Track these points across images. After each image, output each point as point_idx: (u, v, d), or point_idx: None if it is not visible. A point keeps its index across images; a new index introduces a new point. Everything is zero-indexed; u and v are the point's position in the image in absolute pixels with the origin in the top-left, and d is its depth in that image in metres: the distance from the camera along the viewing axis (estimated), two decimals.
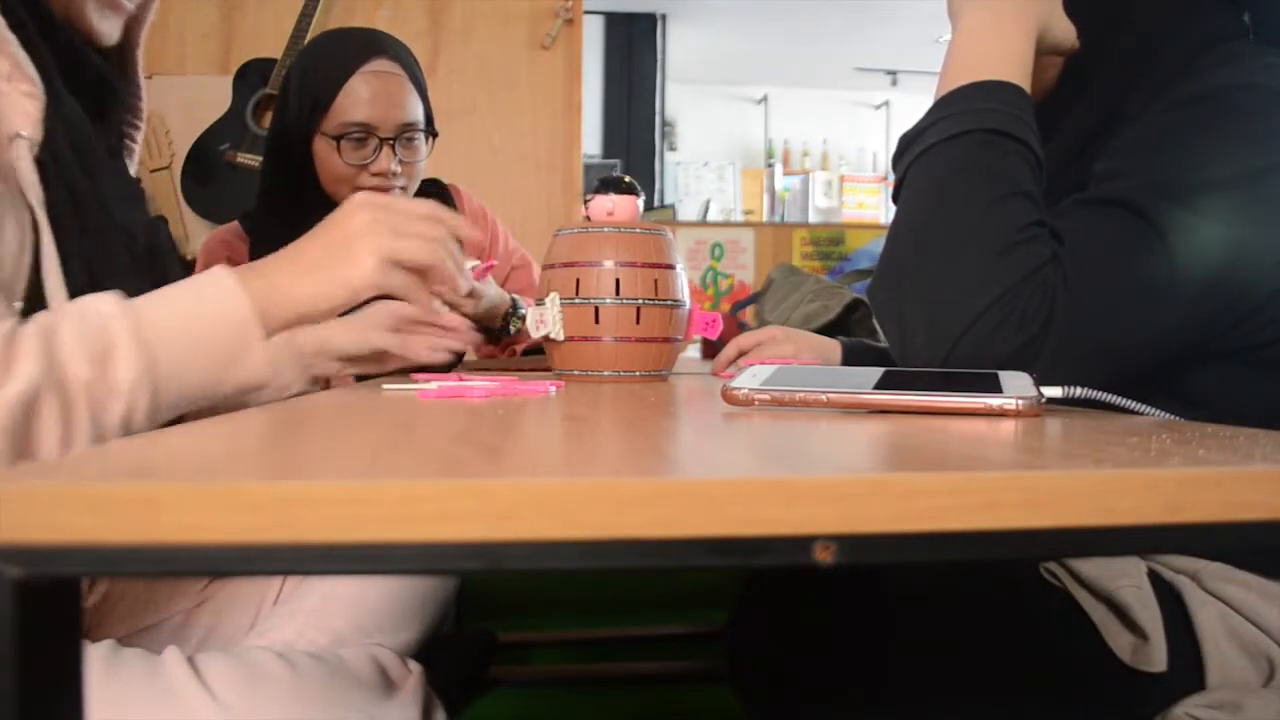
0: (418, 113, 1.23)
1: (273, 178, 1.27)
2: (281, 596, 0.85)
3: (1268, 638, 0.60)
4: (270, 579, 0.83)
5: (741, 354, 1.08)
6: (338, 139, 1.18)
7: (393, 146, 1.20)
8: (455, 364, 1.37)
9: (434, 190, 1.38)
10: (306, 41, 1.25)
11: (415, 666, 0.69)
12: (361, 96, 1.18)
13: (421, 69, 1.28)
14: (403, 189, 1.25)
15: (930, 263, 0.64)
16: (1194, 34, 0.72)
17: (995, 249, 0.61)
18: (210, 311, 0.58)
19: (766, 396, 0.54)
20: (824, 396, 0.52)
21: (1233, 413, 0.57)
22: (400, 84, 1.21)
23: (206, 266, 1.25)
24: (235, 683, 0.60)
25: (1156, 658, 0.61)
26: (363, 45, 1.21)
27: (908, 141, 0.71)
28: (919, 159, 0.68)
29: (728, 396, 0.55)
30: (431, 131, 1.27)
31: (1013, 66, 0.68)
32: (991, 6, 0.70)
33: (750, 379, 0.56)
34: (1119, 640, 0.63)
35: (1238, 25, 0.74)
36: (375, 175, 1.20)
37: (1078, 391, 0.54)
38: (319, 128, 1.20)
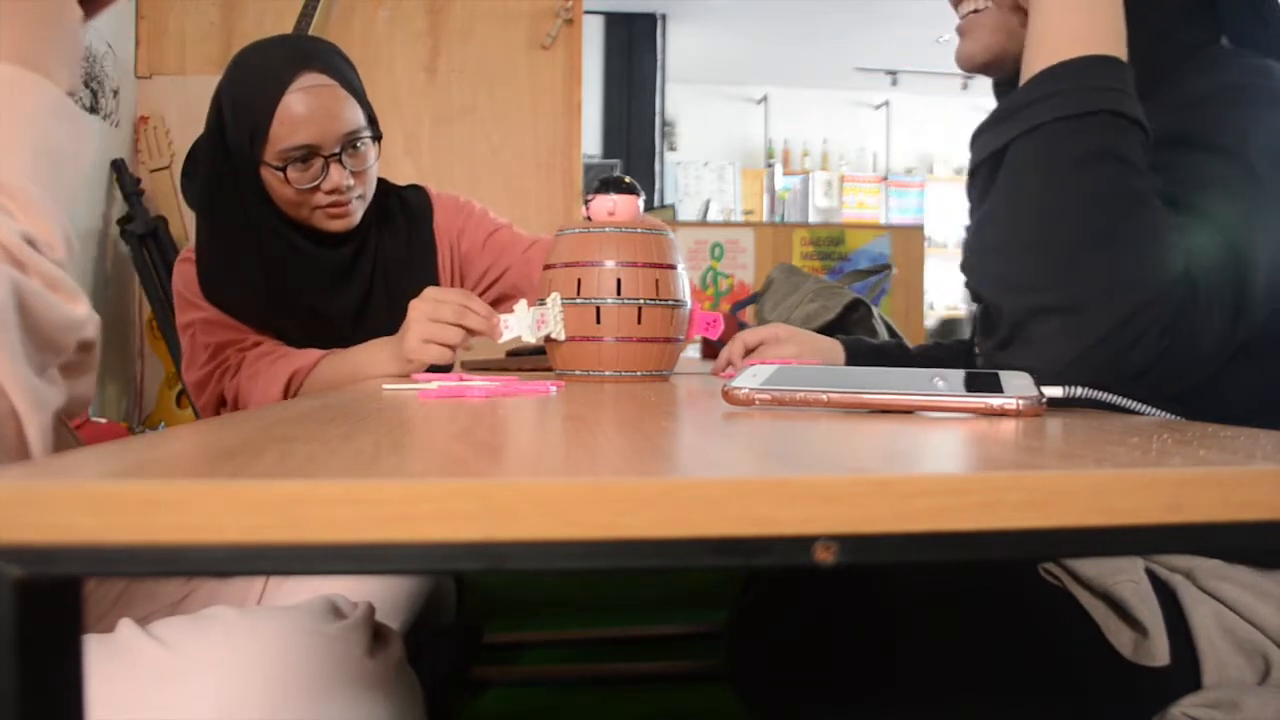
0: (359, 119, 1.17)
1: (217, 205, 1.20)
2: (265, 595, 0.85)
3: (1263, 635, 0.60)
4: (253, 577, 0.84)
5: (748, 352, 1.07)
6: (282, 167, 1.13)
7: (339, 160, 1.15)
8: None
9: (413, 195, 1.36)
10: (231, 61, 1.18)
11: (364, 601, 0.70)
12: (297, 118, 1.12)
13: (354, 68, 1.21)
14: (360, 198, 1.20)
15: (1071, 251, 0.60)
16: (1176, 41, 0.72)
17: (1147, 248, 0.58)
18: None
19: (767, 396, 0.54)
20: (824, 396, 0.52)
21: (1224, 402, 0.58)
22: (334, 95, 1.14)
23: (177, 293, 1.21)
24: (181, 628, 0.61)
25: (1158, 652, 0.61)
26: (288, 62, 1.13)
27: (1008, 113, 0.65)
28: (1029, 134, 0.63)
29: (728, 396, 0.55)
30: (376, 134, 1.21)
31: (1112, 35, 0.63)
32: None
33: (750, 379, 0.56)
34: (1120, 636, 0.63)
35: (1216, 31, 0.74)
36: (329, 194, 1.16)
37: (1078, 391, 0.54)
38: (262, 158, 1.14)
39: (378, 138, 1.22)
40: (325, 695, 0.61)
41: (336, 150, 1.15)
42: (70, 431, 0.70)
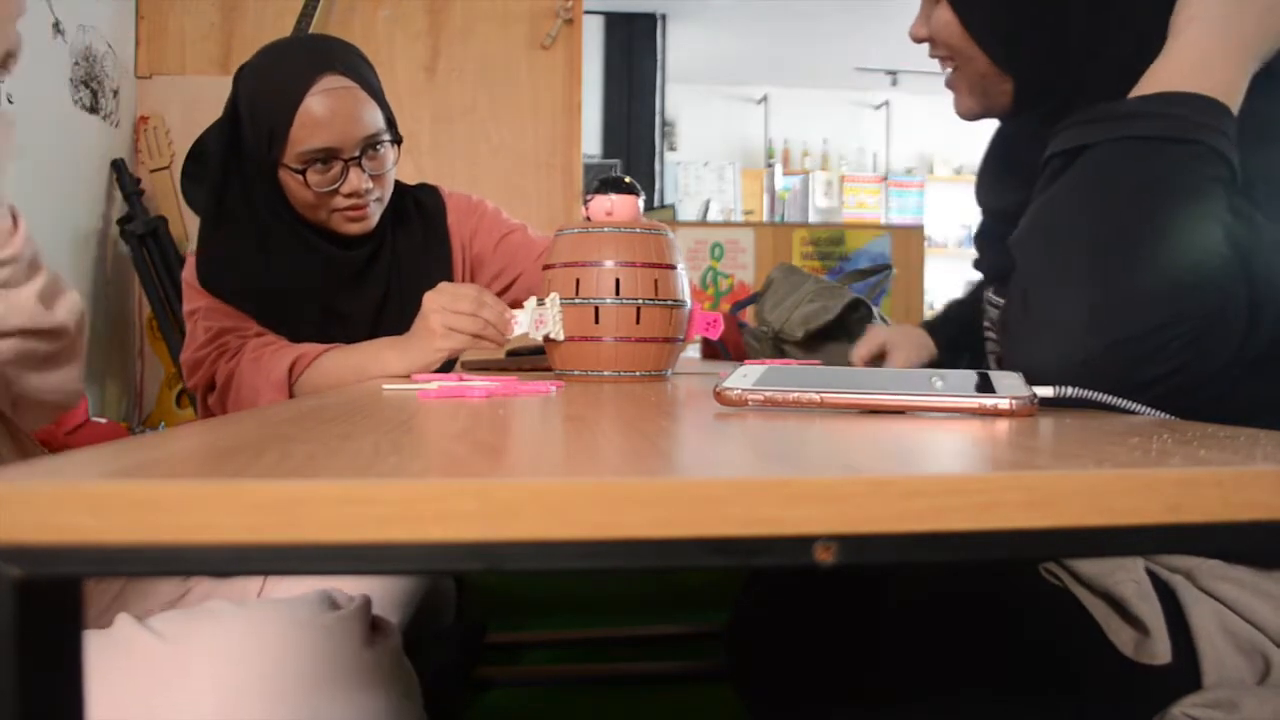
0: (378, 122, 1.16)
1: (223, 201, 1.20)
2: (263, 595, 0.85)
3: (1262, 635, 0.60)
4: (250, 576, 0.84)
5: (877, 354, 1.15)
6: (301, 170, 1.13)
7: (359, 163, 1.15)
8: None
9: (427, 195, 1.36)
10: (250, 60, 1.18)
11: (360, 595, 0.70)
12: (317, 121, 1.11)
13: (374, 69, 1.21)
14: (378, 200, 1.20)
15: (1129, 252, 0.61)
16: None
17: (1199, 270, 0.60)
18: None
19: (760, 397, 0.53)
20: (818, 397, 0.52)
21: (1224, 403, 0.58)
22: (354, 97, 1.13)
23: (186, 282, 1.21)
24: (178, 621, 0.62)
25: (1159, 650, 0.61)
26: (309, 63, 1.13)
27: (1110, 115, 0.66)
28: (1130, 140, 0.64)
29: (720, 397, 0.55)
30: (396, 137, 1.21)
31: (1231, 90, 0.65)
32: (1217, 34, 0.66)
33: (742, 379, 0.56)
34: (1121, 635, 0.63)
35: None
36: (348, 197, 1.16)
37: (1069, 391, 0.54)
38: (280, 160, 1.13)
39: (397, 141, 1.21)
40: (322, 686, 0.61)
41: (356, 154, 1.14)
42: (29, 439, 0.70)
